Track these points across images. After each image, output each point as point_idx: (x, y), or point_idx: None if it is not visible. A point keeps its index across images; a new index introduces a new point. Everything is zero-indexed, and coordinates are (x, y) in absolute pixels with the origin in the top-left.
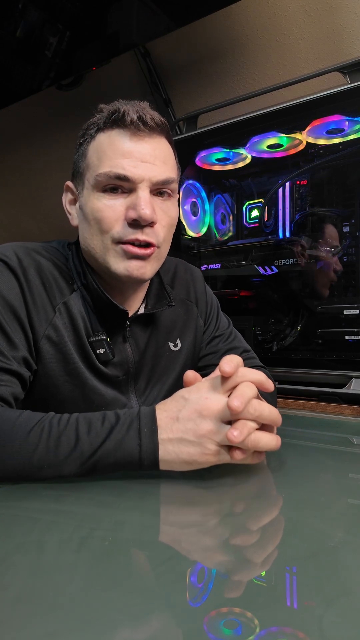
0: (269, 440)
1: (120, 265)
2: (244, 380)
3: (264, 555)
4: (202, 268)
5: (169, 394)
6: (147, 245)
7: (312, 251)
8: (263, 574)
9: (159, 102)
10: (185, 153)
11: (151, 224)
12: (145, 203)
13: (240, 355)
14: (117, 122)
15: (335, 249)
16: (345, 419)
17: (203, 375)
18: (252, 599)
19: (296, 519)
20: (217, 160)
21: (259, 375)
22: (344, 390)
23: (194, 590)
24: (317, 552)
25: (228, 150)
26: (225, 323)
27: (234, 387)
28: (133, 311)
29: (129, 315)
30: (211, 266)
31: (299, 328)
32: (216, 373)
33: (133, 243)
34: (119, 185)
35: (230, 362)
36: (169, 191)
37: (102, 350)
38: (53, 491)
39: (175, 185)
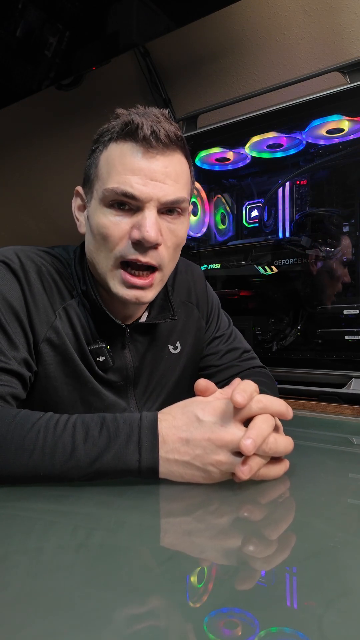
0: (277, 473)
1: (119, 290)
2: (262, 412)
3: (264, 555)
4: (202, 268)
5: (168, 397)
6: (148, 268)
7: (311, 251)
8: (263, 574)
9: (159, 102)
10: None
11: (155, 246)
12: (150, 224)
13: (240, 355)
14: (130, 134)
15: (335, 249)
16: (345, 419)
17: (204, 376)
18: (252, 599)
19: (296, 518)
20: (217, 160)
21: (279, 406)
22: (344, 390)
23: (194, 590)
24: (317, 552)
25: (228, 150)
26: (225, 323)
27: (250, 417)
28: (134, 319)
29: (130, 323)
30: (211, 266)
31: (299, 328)
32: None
33: (135, 264)
34: (126, 202)
35: (244, 392)
36: (179, 210)
37: (102, 358)
38: (53, 491)
39: (186, 205)
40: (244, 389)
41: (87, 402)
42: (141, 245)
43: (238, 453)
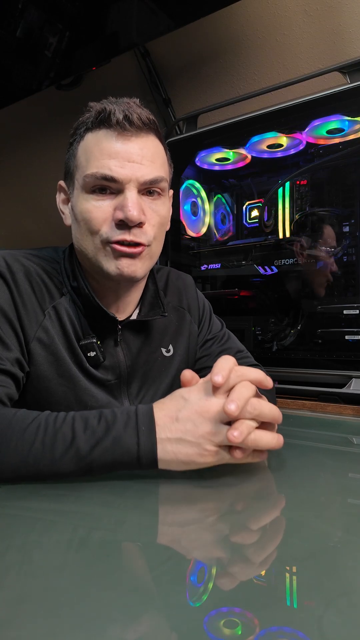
0: (270, 439)
1: (111, 264)
2: (241, 380)
3: (264, 555)
4: (202, 268)
5: (162, 398)
6: (137, 245)
7: (311, 251)
8: (263, 573)
9: (159, 102)
10: (185, 153)
11: (139, 225)
12: (132, 204)
13: (234, 355)
14: (103, 122)
15: (335, 249)
16: (345, 419)
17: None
18: (252, 599)
19: (296, 518)
20: (217, 160)
21: (256, 374)
22: (343, 390)
23: (194, 590)
24: (317, 552)
25: (228, 150)
26: (218, 326)
27: (232, 388)
28: (126, 315)
29: (121, 319)
30: (211, 266)
31: (299, 328)
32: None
33: (122, 243)
34: (107, 186)
35: (222, 370)
36: (159, 190)
37: (92, 353)
38: (53, 491)
39: (164, 184)
40: (222, 367)
41: (81, 402)
42: (125, 225)
43: (228, 424)
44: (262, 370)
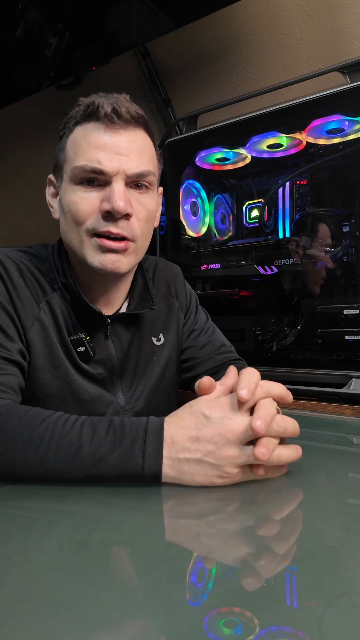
0: (291, 453)
1: (95, 259)
2: (265, 397)
3: (264, 555)
4: (202, 268)
5: (154, 388)
6: (122, 239)
7: (311, 251)
8: (263, 573)
9: (159, 102)
10: (185, 153)
11: (126, 217)
12: (118, 195)
13: (218, 348)
14: (92, 115)
15: (335, 249)
16: (345, 419)
17: (184, 369)
18: (252, 599)
19: (296, 518)
20: (217, 160)
21: (280, 390)
22: (343, 390)
23: (194, 590)
24: (317, 552)
25: (228, 150)
26: (203, 318)
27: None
28: (116, 308)
29: (111, 313)
30: (211, 266)
31: (298, 328)
32: (233, 380)
33: (108, 236)
34: (94, 178)
35: (249, 384)
36: (147, 184)
37: (82, 349)
38: (53, 491)
39: (152, 178)
40: (248, 380)
41: (74, 395)
42: (112, 216)
43: (249, 444)
44: (242, 365)
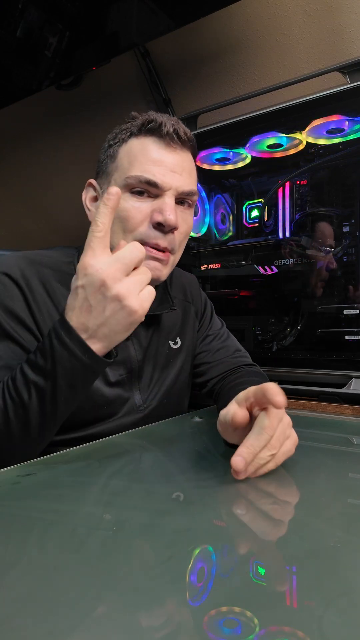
0: (271, 467)
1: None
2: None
3: (264, 555)
4: (202, 268)
5: (168, 390)
6: (164, 250)
7: (311, 251)
8: (263, 573)
9: (159, 102)
10: None
11: (172, 230)
12: (171, 209)
13: (232, 353)
14: (152, 130)
15: (335, 249)
16: (345, 419)
17: (197, 373)
18: (252, 599)
19: (296, 518)
20: (217, 160)
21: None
22: (343, 390)
23: (193, 590)
24: (317, 551)
25: (228, 150)
26: (218, 324)
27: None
28: None
29: None
30: (211, 266)
31: (298, 328)
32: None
33: (155, 247)
34: (147, 189)
35: (271, 428)
36: (190, 202)
37: None
38: (53, 491)
39: (195, 198)
40: (271, 426)
41: (90, 399)
42: (162, 228)
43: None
44: (257, 370)
